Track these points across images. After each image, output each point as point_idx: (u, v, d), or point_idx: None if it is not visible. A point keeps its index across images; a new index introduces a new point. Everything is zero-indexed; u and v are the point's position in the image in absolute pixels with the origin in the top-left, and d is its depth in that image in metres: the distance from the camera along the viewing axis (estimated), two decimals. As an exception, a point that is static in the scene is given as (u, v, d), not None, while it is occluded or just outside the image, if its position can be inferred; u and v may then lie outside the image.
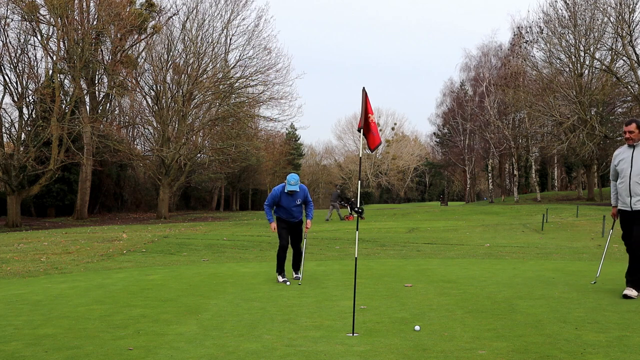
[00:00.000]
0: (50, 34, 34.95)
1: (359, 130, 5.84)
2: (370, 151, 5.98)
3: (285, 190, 8.39)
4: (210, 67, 39.50)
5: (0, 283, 9.08)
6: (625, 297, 6.32)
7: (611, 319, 5.43)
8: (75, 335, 5.23)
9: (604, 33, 34.02)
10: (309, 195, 8.73)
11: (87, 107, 38.42)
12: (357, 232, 6.32)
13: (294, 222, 8.70)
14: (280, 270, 8.61)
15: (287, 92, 46.52)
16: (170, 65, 38.38)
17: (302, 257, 8.74)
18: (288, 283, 8.24)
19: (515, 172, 51.26)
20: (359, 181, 5.95)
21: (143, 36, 39.52)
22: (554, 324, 5.29)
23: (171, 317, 6.00)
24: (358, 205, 6.08)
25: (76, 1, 34.79)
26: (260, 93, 40.80)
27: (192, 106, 39.76)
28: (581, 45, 34.84)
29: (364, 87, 5.72)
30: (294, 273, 8.74)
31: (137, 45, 40.16)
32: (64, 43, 33.85)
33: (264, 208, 8.76)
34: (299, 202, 8.56)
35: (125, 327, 5.53)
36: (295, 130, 71.91)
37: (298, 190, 8.40)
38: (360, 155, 6.35)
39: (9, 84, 33.27)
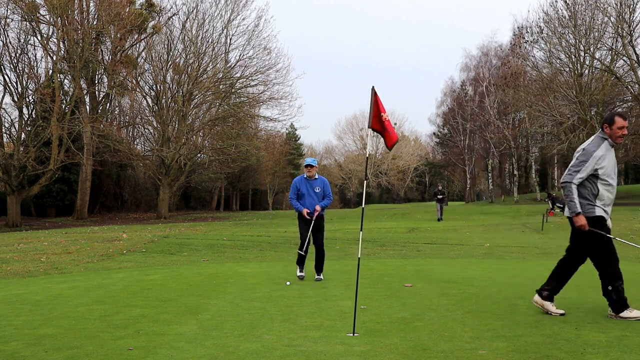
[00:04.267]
0: (50, 34, 35.00)
1: (372, 129, 5.76)
2: (389, 149, 5.95)
3: (304, 164, 8.61)
4: (210, 67, 39.54)
5: (0, 283, 9.08)
6: None
7: (611, 319, 5.43)
8: (75, 335, 5.23)
9: (604, 33, 34.00)
10: (328, 188, 8.64)
11: (87, 107, 38.43)
12: (360, 232, 6.15)
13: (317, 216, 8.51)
14: (300, 264, 8.66)
15: (287, 92, 46.53)
16: (170, 65, 38.40)
17: (324, 257, 8.58)
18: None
19: (515, 172, 51.27)
20: (365, 181, 5.91)
21: (143, 36, 39.54)
22: (554, 324, 5.29)
23: (171, 317, 6.00)
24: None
25: (76, 1, 34.80)
26: (260, 93, 40.86)
27: (192, 106, 39.78)
28: (581, 45, 34.81)
29: (373, 87, 5.64)
30: (316, 275, 8.59)
31: (137, 45, 40.21)
32: (64, 43, 33.86)
33: (290, 202, 8.77)
34: (318, 190, 8.49)
35: (125, 327, 5.52)
36: (295, 130, 72.06)
37: (315, 165, 8.54)
38: (367, 155, 6.30)
39: (9, 84, 33.33)
